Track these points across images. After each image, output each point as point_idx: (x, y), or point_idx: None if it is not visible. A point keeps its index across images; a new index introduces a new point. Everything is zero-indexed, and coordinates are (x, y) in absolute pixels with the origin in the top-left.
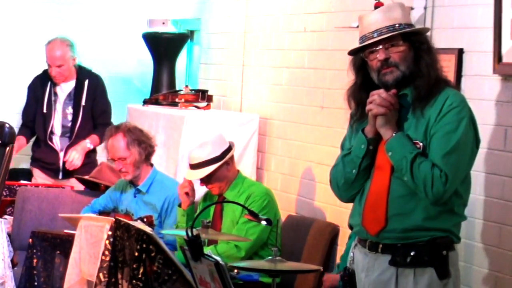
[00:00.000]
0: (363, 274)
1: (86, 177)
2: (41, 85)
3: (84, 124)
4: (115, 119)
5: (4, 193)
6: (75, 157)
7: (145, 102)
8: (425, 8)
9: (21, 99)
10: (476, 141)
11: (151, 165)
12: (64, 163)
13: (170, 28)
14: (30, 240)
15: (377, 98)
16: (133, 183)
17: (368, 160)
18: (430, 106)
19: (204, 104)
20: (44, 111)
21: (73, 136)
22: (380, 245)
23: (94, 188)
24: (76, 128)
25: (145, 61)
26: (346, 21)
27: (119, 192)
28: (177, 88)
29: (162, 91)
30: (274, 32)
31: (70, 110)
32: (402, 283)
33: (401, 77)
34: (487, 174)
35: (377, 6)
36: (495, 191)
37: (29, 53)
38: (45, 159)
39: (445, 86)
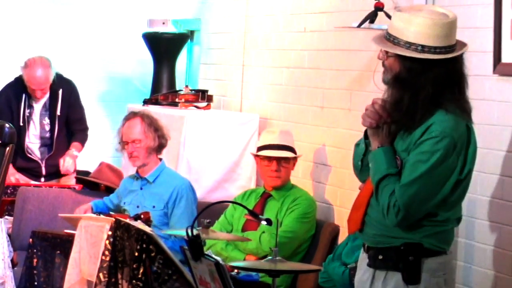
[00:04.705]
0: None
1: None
2: (15, 96)
3: (61, 133)
4: (115, 119)
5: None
6: (69, 163)
7: (145, 102)
8: None
9: None
10: (465, 169)
11: (160, 159)
12: (46, 169)
13: (170, 28)
14: (30, 240)
15: (369, 108)
16: (139, 175)
17: None
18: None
19: (204, 104)
20: (21, 124)
21: (53, 146)
22: (365, 246)
23: (94, 188)
24: (55, 138)
25: (145, 61)
26: (346, 21)
27: (124, 188)
28: (177, 88)
29: (162, 91)
30: (274, 32)
31: (47, 120)
32: (375, 285)
33: (387, 80)
34: (487, 174)
35: (377, 6)
36: (495, 191)
37: (29, 53)
38: (27, 167)
39: (437, 109)
